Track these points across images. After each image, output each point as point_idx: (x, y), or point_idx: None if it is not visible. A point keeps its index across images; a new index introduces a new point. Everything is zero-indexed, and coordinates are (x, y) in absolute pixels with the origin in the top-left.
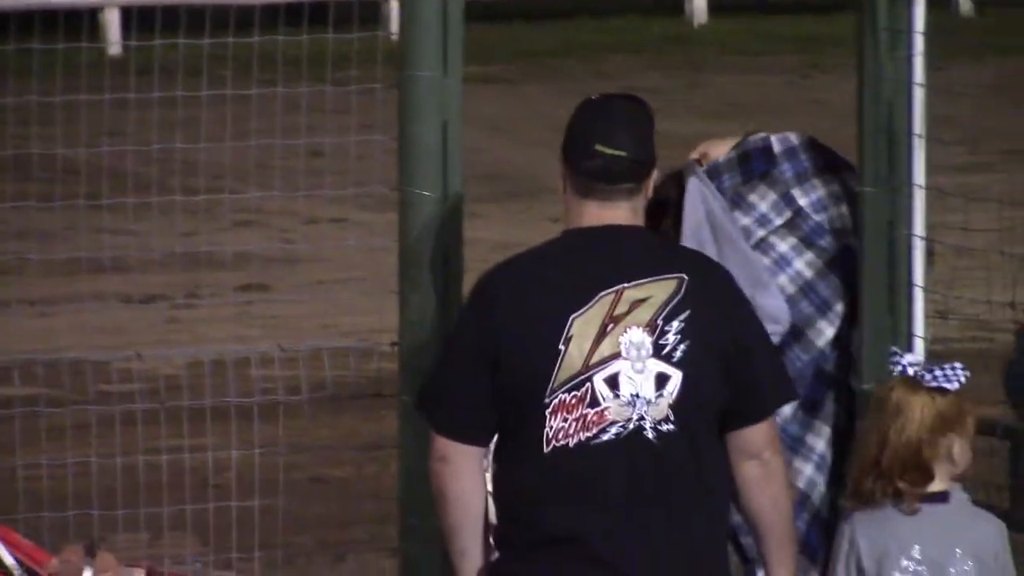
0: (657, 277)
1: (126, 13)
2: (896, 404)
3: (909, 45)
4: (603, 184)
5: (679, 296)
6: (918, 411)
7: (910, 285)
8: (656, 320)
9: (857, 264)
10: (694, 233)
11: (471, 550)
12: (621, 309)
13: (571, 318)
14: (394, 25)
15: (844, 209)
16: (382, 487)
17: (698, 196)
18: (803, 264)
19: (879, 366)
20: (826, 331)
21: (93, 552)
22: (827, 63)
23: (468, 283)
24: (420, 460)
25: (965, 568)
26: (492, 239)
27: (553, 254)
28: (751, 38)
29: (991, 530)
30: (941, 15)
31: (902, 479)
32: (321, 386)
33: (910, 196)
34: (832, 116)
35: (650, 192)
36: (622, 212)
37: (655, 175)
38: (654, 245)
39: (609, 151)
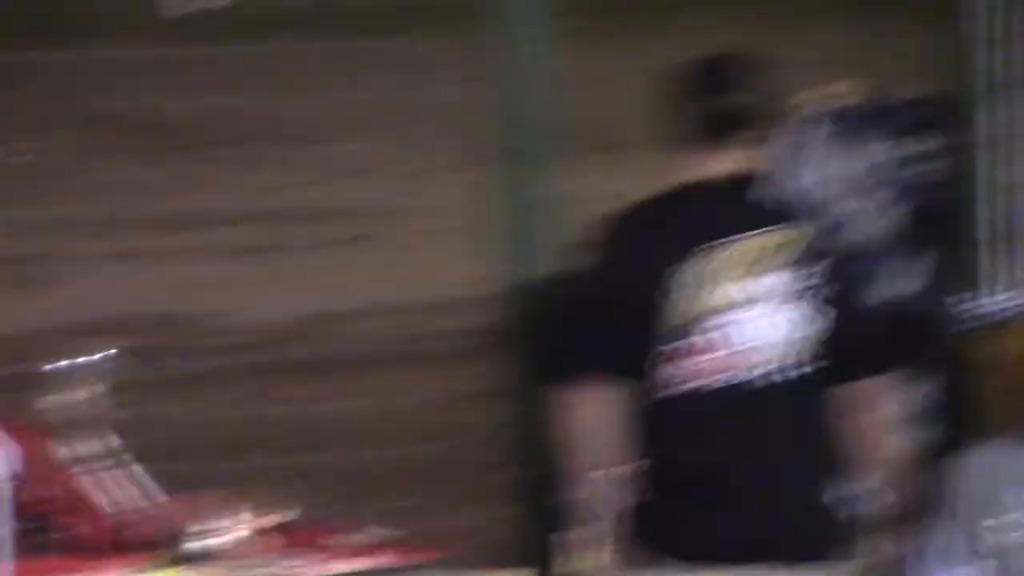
0: (791, 224)
1: None
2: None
3: None
4: (724, 131)
5: (813, 243)
6: None
7: None
8: (792, 265)
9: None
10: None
11: (583, 476)
12: (758, 254)
13: (693, 264)
14: None
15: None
16: (495, 436)
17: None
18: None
19: None
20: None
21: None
22: None
23: (562, 236)
24: (533, 410)
25: None
26: (587, 190)
27: (674, 200)
28: None
29: None
30: None
31: None
32: (429, 338)
33: None
34: None
35: (772, 140)
36: (743, 159)
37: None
38: (781, 193)
39: (734, 97)
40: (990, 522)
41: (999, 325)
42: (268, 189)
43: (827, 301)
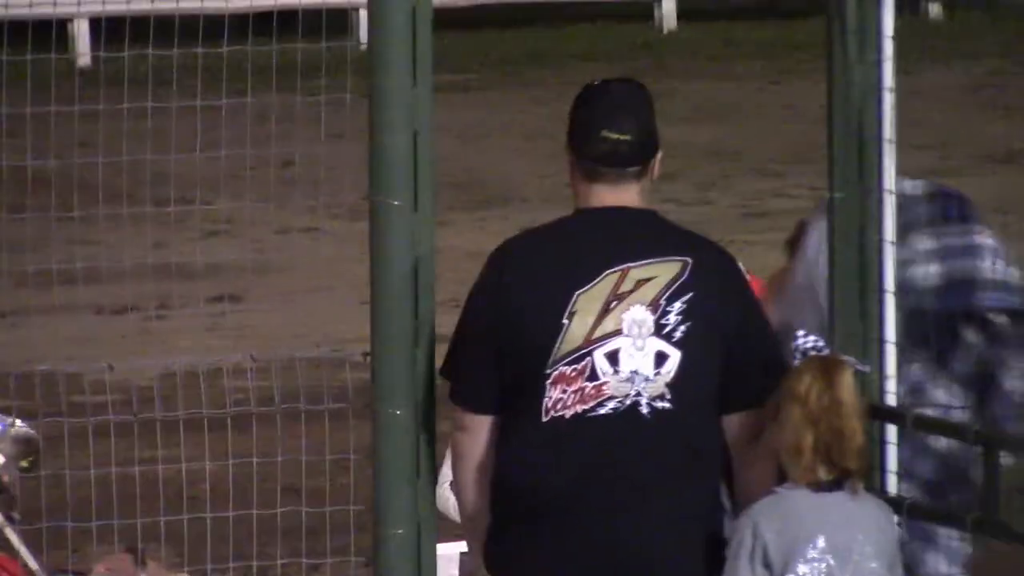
0: (663, 258)
1: (95, 24)
2: (829, 385)
3: (878, 49)
4: (610, 168)
5: (683, 278)
6: (853, 392)
7: (880, 290)
8: (659, 300)
9: (829, 271)
10: (807, 269)
11: (483, 510)
12: (626, 287)
13: (576, 294)
14: (363, 34)
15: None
16: (356, 497)
17: (819, 235)
18: None
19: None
20: None
21: (143, 560)
22: (796, 68)
23: (439, 293)
24: (395, 470)
25: (867, 551)
26: (464, 247)
27: (562, 231)
28: (720, 44)
29: (884, 513)
30: (910, 19)
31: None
32: (294, 396)
33: (880, 201)
34: (802, 121)
35: (656, 173)
36: (630, 194)
37: (660, 155)
38: (661, 227)
39: (614, 136)
40: (802, 568)
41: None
42: (138, 247)
43: (708, 334)
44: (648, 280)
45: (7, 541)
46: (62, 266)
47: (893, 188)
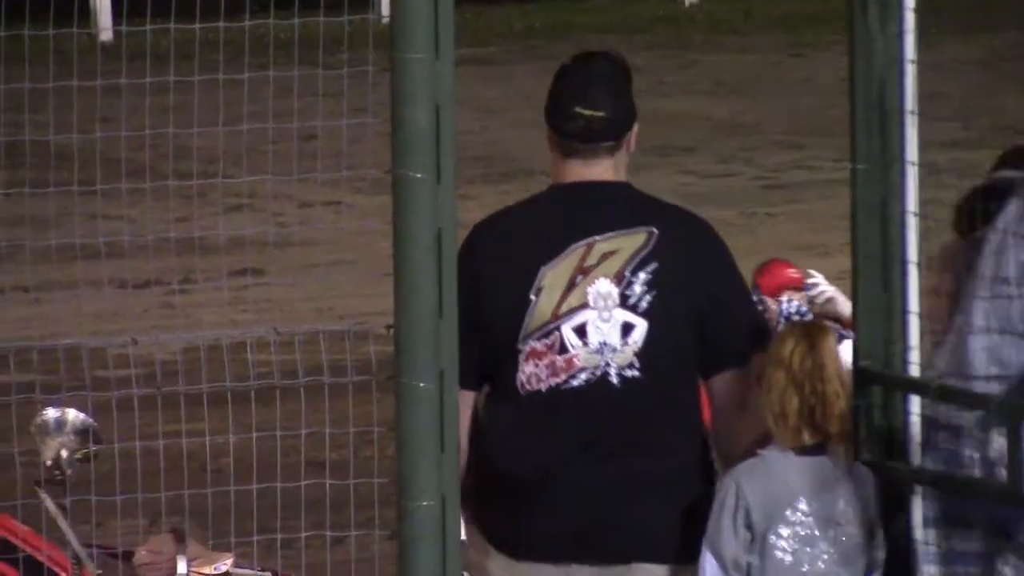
0: (628, 230)
1: None
2: (812, 348)
3: (900, 21)
4: (584, 144)
5: (648, 248)
6: (835, 357)
7: (904, 262)
8: (623, 271)
9: (852, 243)
10: (997, 248)
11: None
12: (591, 261)
13: (542, 269)
14: (385, 8)
15: None
16: (380, 470)
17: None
18: None
19: (874, 343)
20: None
21: (183, 539)
22: (817, 41)
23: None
24: (419, 442)
25: (848, 516)
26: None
27: (533, 208)
28: (741, 17)
29: (867, 479)
30: None
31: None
32: (317, 370)
33: (903, 173)
34: (822, 94)
35: (632, 146)
36: (603, 168)
37: (636, 128)
38: (632, 199)
39: (587, 112)
40: (783, 530)
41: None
42: (160, 221)
43: (676, 302)
44: (613, 253)
45: (57, 529)
46: (85, 240)
47: (916, 159)
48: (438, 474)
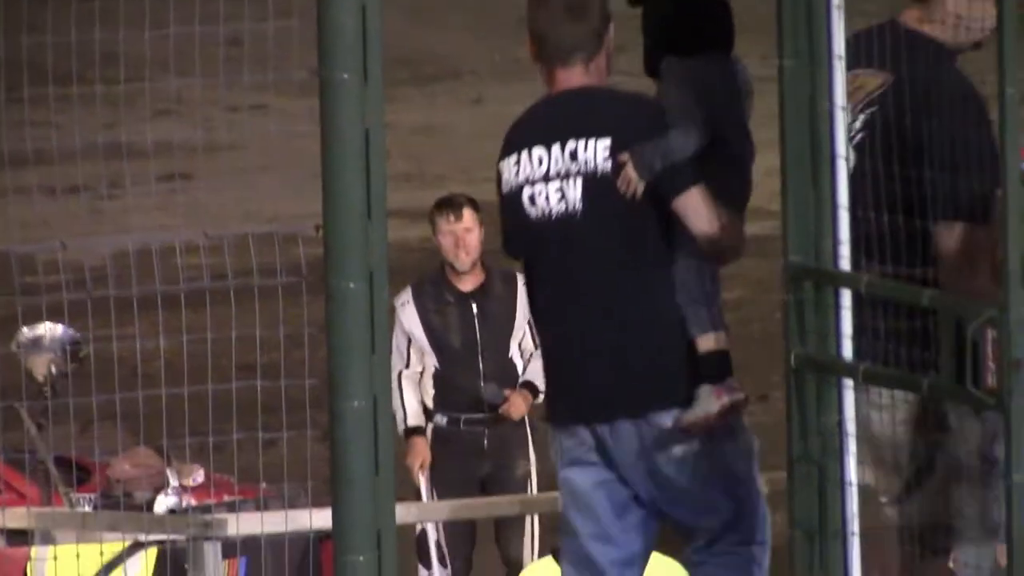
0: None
1: None
2: None
3: None
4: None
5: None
6: None
7: (833, 156)
8: (575, 149)
9: (780, 137)
10: None
11: None
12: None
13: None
14: None
15: None
16: (312, 371)
17: None
18: None
19: (804, 238)
20: None
21: (163, 453)
22: None
23: (390, 167)
24: (350, 343)
25: None
26: (413, 122)
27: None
28: None
29: None
30: None
31: None
32: (247, 272)
33: (830, 68)
34: None
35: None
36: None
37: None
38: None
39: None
40: None
41: None
42: (88, 128)
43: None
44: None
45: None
46: (12, 147)
47: (843, 55)
48: (369, 375)
